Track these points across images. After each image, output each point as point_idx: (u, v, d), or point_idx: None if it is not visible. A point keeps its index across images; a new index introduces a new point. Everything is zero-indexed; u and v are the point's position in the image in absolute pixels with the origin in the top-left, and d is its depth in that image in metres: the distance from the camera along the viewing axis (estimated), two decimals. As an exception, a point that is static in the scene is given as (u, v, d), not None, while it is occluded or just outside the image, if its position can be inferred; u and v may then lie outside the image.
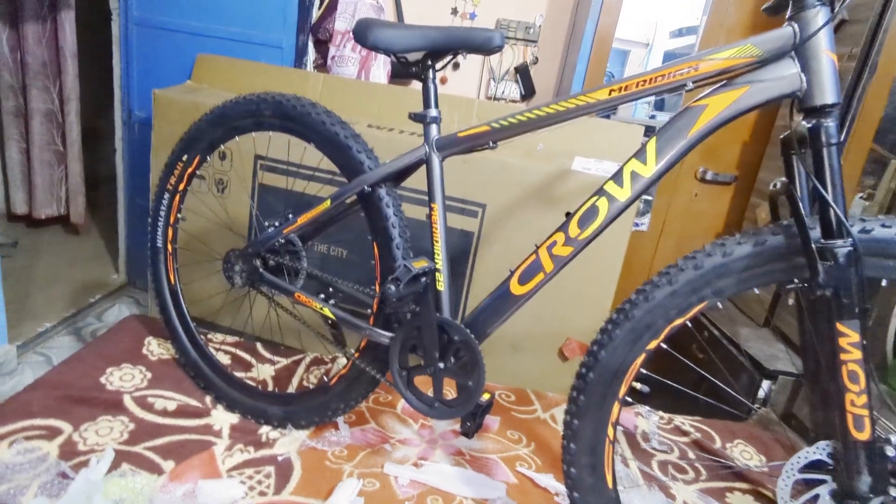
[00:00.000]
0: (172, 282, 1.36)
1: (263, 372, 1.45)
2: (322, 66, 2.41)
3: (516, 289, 0.95)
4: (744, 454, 1.40)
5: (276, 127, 1.17)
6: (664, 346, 0.84)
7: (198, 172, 1.30)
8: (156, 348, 1.45)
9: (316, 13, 2.41)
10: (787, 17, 0.76)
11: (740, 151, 2.12)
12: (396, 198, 1.08)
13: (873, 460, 0.71)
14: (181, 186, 1.31)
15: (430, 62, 1.01)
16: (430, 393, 1.04)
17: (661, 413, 1.51)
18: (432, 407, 1.02)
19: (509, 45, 2.52)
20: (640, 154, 0.85)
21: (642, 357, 0.85)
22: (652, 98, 1.06)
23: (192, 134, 1.26)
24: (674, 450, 1.39)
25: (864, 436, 0.71)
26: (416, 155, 1.02)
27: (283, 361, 1.52)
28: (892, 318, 1.44)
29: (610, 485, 0.89)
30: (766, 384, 1.58)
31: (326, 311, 1.10)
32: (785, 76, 0.75)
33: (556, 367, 1.60)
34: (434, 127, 1.02)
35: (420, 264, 0.95)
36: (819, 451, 0.77)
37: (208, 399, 1.31)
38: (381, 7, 2.33)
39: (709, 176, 2.15)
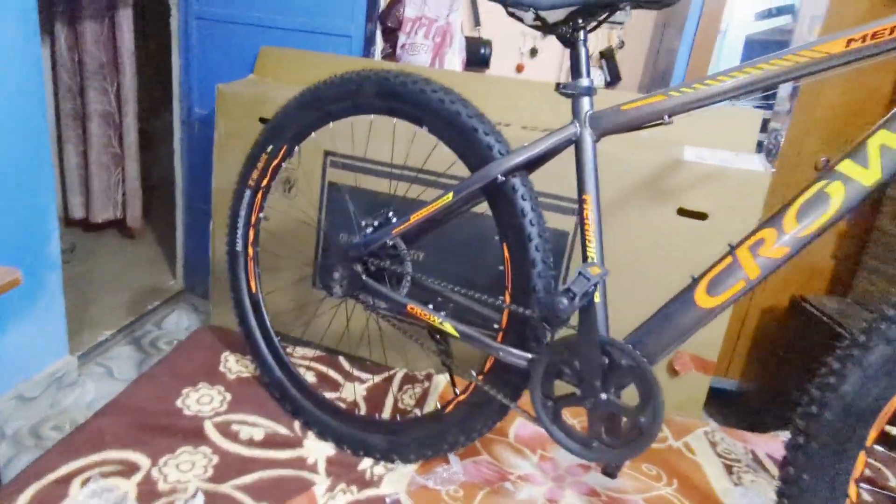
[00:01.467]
0: (254, 290, 1.21)
1: (352, 392, 1.28)
2: (391, 55, 2.26)
3: (704, 301, 0.75)
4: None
5: (380, 109, 1.00)
6: None
7: (284, 165, 1.14)
8: (234, 365, 1.29)
9: (384, 2, 2.26)
10: None
11: (869, 137, 1.86)
12: (533, 189, 0.89)
13: None
14: (265, 182, 1.15)
15: (580, 21, 0.82)
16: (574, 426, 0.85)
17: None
18: (589, 447, 0.83)
19: (592, 33, 2.31)
20: (890, 123, 0.64)
21: (901, 392, 0.64)
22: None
23: (278, 121, 1.10)
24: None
25: None
26: (564, 134, 0.83)
27: (373, 379, 1.34)
28: None
29: (845, 558, 0.68)
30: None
31: (448, 328, 0.92)
32: None
33: (665, 382, 1.38)
34: (586, 100, 0.82)
35: (595, 271, 0.75)
36: None
37: (297, 425, 1.14)
38: (455, -8, 2.16)
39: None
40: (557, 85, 0.84)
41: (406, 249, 1.00)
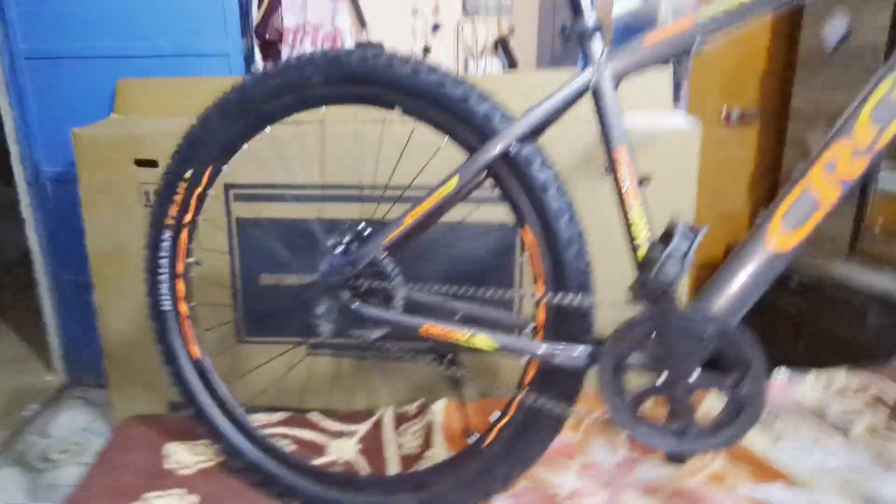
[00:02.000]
0: (196, 355, 0.94)
1: (342, 450, 1.06)
2: (276, 69, 2.03)
3: (780, 242, 0.66)
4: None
5: (336, 98, 0.81)
6: None
7: (210, 193, 0.90)
8: (186, 457, 1.01)
9: (256, 13, 2.03)
10: None
11: (761, 84, 1.99)
12: (548, 158, 0.75)
13: None
14: (187, 217, 0.90)
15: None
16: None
17: (813, 372, 1.26)
18: (685, 437, 0.70)
19: (481, 21, 2.26)
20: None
21: None
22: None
23: (194, 137, 0.87)
24: (863, 411, 1.14)
25: None
26: (579, 84, 0.71)
27: (361, 429, 1.12)
28: None
29: None
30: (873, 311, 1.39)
31: (480, 342, 0.75)
32: None
33: None
34: (598, 41, 0.71)
35: (693, 227, 0.63)
36: None
37: (292, 510, 0.90)
38: (337, -8, 2.00)
39: (736, 115, 1.99)
40: (563, 28, 0.71)
41: (391, 262, 0.82)
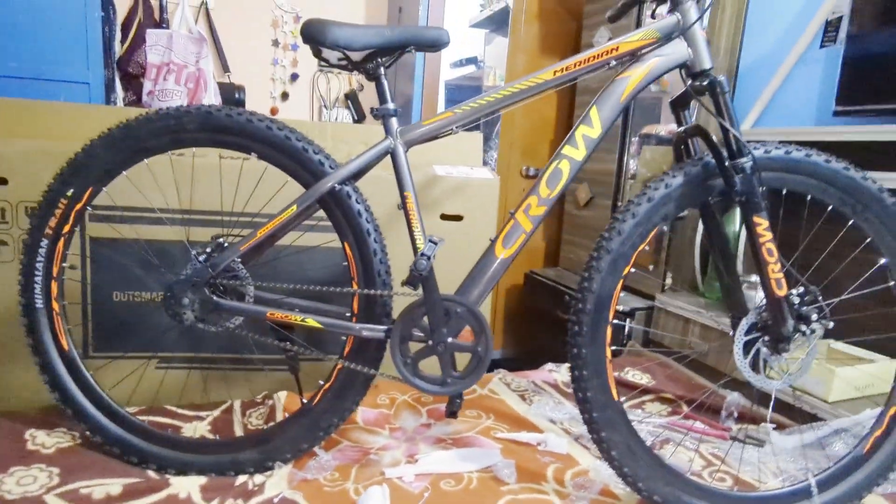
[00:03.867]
0: (66, 347, 1.11)
1: (195, 430, 1.26)
2: (136, 102, 2.18)
3: (501, 252, 1.06)
4: (635, 376, 1.72)
5: (204, 142, 1.07)
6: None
7: (88, 209, 1.10)
8: (47, 439, 1.14)
9: (120, 47, 2.17)
10: (668, 9, 1.04)
11: (550, 148, 2.56)
12: (361, 193, 1.09)
13: (790, 308, 1.01)
14: (66, 228, 1.09)
15: (379, 60, 1.06)
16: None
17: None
18: (446, 383, 1.06)
19: (335, 75, 2.60)
20: (585, 120, 1.05)
21: (621, 283, 1.04)
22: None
23: (80, 161, 1.07)
24: (594, 387, 1.62)
25: (782, 292, 1.01)
26: (382, 148, 1.06)
27: (212, 413, 1.33)
28: (696, 245, 1.93)
29: (616, 397, 1.05)
30: (627, 322, 1.94)
31: (311, 322, 1.05)
32: (679, 50, 1.02)
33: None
34: (395, 120, 1.07)
35: (437, 238, 0.99)
36: (752, 317, 1.05)
37: (151, 472, 1.09)
38: (201, 38, 2.21)
39: (531, 172, 2.54)
40: (372, 109, 1.06)
41: (245, 269, 1.09)
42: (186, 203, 1.36)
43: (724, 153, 0.99)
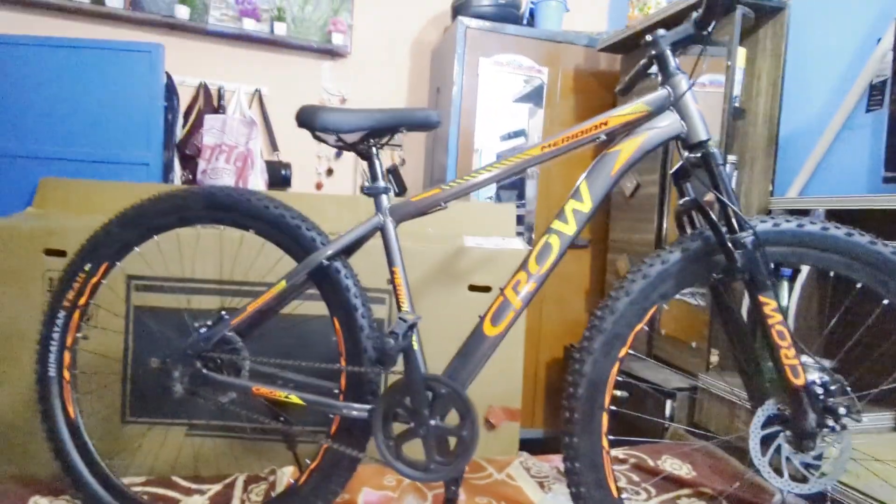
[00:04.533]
0: (72, 416, 1.15)
1: (193, 504, 1.25)
2: (191, 180, 2.36)
3: (490, 330, 1.02)
4: (674, 466, 1.55)
5: (208, 219, 1.13)
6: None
7: (104, 283, 1.17)
8: (48, 507, 1.17)
9: (181, 131, 2.39)
10: (659, 83, 1.02)
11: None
12: (352, 269, 1.10)
13: (811, 400, 0.89)
14: (82, 301, 1.16)
15: (372, 141, 1.10)
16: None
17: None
18: (428, 470, 1.00)
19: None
20: (575, 195, 1.02)
21: (617, 366, 0.96)
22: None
23: (98, 239, 1.15)
24: (621, 478, 1.48)
25: (800, 381, 0.89)
26: (372, 224, 1.08)
27: (214, 487, 1.32)
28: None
29: (615, 495, 0.95)
30: (668, 403, 1.79)
31: (294, 399, 1.03)
32: (670, 123, 0.99)
33: (484, 435, 1.63)
34: (385, 197, 1.09)
35: (410, 316, 0.97)
36: (768, 408, 0.93)
37: (137, 549, 1.09)
38: (252, 122, 2.40)
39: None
40: (362, 187, 1.09)
41: (241, 342, 1.10)
42: (226, 274, 1.43)
43: (724, 228, 0.92)
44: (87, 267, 1.15)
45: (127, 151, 2.14)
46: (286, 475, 1.36)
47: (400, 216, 1.08)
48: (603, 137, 1.02)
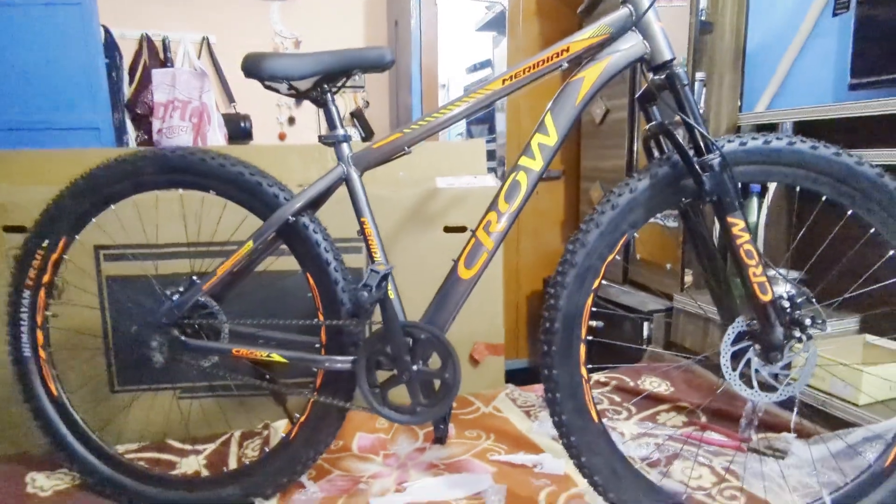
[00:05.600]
0: (55, 392, 1.14)
1: (191, 465, 1.28)
2: (147, 141, 2.26)
3: (464, 273, 1.01)
4: (653, 384, 1.62)
5: (163, 184, 1.09)
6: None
7: (65, 258, 1.13)
8: (45, 482, 1.18)
9: (128, 89, 2.26)
10: (621, 1, 0.97)
11: (561, 150, 2.48)
12: (320, 224, 1.07)
13: (779, 314, 0.92)
14: (45, 279, 1.13)
15: (326, 86, 1.05)
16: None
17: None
18: (415, 413, 1.02)
19: (339, 95, 2.62)
20: (540, 128, 0.99)
21: (591, 298, 0.97)
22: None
23: (51, 213, 1.10)
24: (603, 401, 1.55)
25: (768, 297, 0.91)
26: (335, 175, 1.04)
27: (210, 446, 1.35)
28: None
29: (596, 420, 0.98)
30: (645, 325, 1.84)
31: (276, 357, 1.03)
32: (633, 45, 0.95)
33: (470, 372, 1.67)
34: (345, 145, 1.05)
35: (382, 267, 0.96)
36: (738, 325, 0.96)
37: (138, 513, 1.11)
38: (203, 73, 2.27)
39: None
40: (320, 137, 1.05)
41: (217, 305, 1.09)
42: (193, 237, 1.39)
43: (692, 151, 0.91)
44: (45, 243, 1.11)
45: (74, 115, 2.02)
46: (280, 429, 1.39)
47: (363, 164, 1.05)
48: (565, 65, 0.98)
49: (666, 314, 1.88)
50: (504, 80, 0.99)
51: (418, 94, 2.35)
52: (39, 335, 1.14)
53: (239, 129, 2.39)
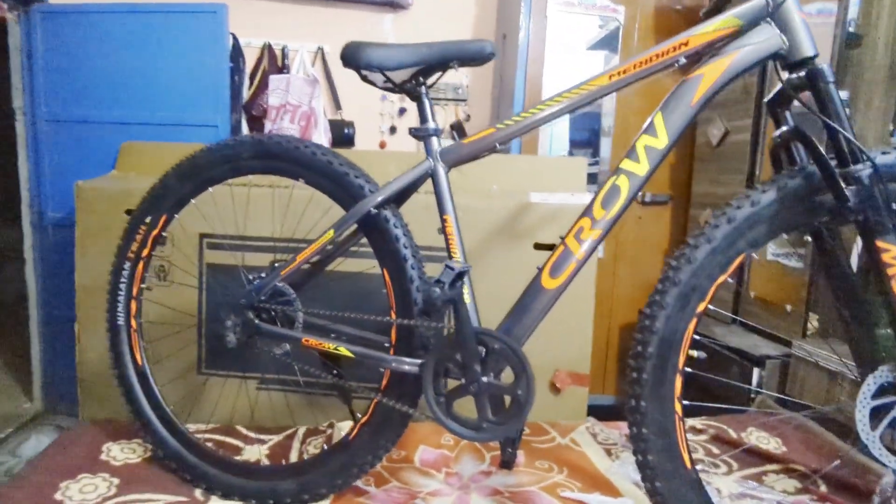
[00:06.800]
0: (140, 362, 1.19)
1: (254, 453, 1.27)
2: (257, 141, 2.38)
3: (549, 283, 0.92)
4: (760, 439, 1.41)
5: (258, 169, 1.10)
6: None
7: (164, 235, 1.18)
8: (119, 453, 1.22)
9: (247, 92, 2.41)
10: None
11: (669, 173, 2.31)
12: (402, 218, 1.04)
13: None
14: (145, 252, 1.18)
15: (421, 79, 1.02)
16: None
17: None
18: (480, 429, 0.94)
19: (441, 106, 2.64)
20: (649, 129, 0.89)
21: (694, 322, 0.85)
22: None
23: (156, 192, 1.16)
24: (697, 449, 1.36)
25: (927, 343, 0.74)
26: (421, 169, 1.00)
27: (275, 438, 1.34)
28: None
29: (689, 466, 0.85)
30: (756, 371, 1.62)
31: (343, 350, 1.00)
32: (767, 38, 0.83)
33: (550, 400, 1.56)
34: (435, 140, 1.01)
35: (457, 264, 0.90)
36: (882, 375, 0.79)
37: (199, 492, 1.11)
38: (315, 80, 2.38)
39: (647, 198, 2.30)
40: (410, 130, 1.02)
41: (294, 294, 1.08)
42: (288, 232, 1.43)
43: (833, 161, 0.77)
44: (148, 220, 1.17)
45: (197, 114, 2.18)
46: (344, 429, 1.36)
47: (452, 160, 1.00)
48: (683, 61, 0.88)
49: (782, 362, 1.64)
50: (611, 76, 0.90)
51: (520, 108, 2.29)
52: (133, 305, 1.19)
53: (342, 135, 2.47)
